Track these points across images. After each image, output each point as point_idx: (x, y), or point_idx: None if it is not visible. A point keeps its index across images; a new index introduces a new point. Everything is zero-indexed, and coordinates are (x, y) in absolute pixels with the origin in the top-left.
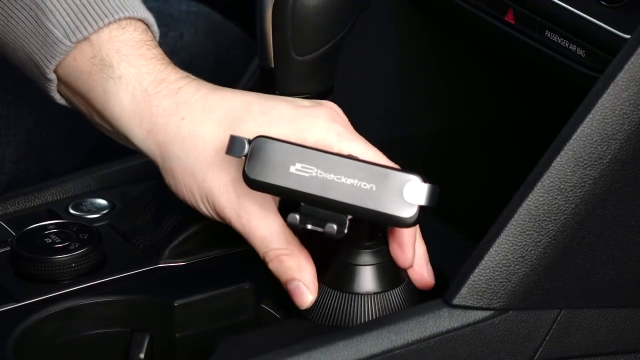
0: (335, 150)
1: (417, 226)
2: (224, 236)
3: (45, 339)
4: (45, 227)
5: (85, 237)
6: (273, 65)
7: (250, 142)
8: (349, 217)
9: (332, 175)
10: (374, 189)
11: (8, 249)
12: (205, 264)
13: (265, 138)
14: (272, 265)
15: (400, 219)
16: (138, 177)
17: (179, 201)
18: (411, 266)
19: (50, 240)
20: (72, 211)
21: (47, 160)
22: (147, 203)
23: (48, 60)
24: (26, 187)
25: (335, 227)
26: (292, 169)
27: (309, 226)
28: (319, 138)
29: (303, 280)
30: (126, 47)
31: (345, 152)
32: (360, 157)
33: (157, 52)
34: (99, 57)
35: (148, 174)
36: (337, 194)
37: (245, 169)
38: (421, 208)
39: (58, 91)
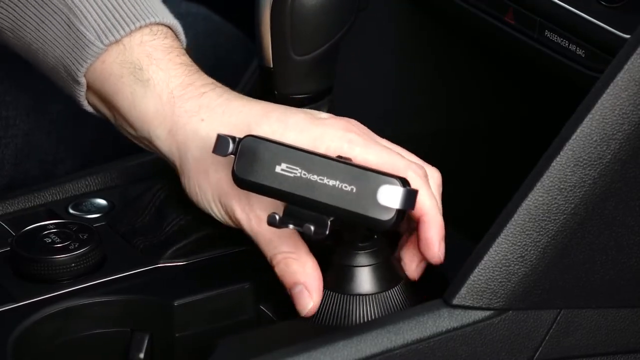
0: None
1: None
2: (224, 236)
3: (45, 339)
4: (45, 227)
5: (85, 237)
6: (272, 66)
7: (234, 140)
8: (331, 218)
9: (315, 176)
10: (354, 190)
11: (8, 249)
12: (205, 264)
13: (254, 137)
14: (279, 269)
15: (378, 222)
16: (138, 177)
17: (178, 201)
18: (441, 262)
19: (50, 240)
20: (72, 211)
21: (46, 162)
22: (147, 203)
23: (79, 63)
24: (26, 187)
25: (312, 227)
26: (278, 169)
27: (291, 226)
28: (329, 145)
29: (307, 285)
30: (156, 52)
31: (359, 160)
32: (366, 161)
33: (186, 59)
34: (129, 61)
35: (148, 174)
36: (318, 195)
37: (235, 168)
38: (399, 211)
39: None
